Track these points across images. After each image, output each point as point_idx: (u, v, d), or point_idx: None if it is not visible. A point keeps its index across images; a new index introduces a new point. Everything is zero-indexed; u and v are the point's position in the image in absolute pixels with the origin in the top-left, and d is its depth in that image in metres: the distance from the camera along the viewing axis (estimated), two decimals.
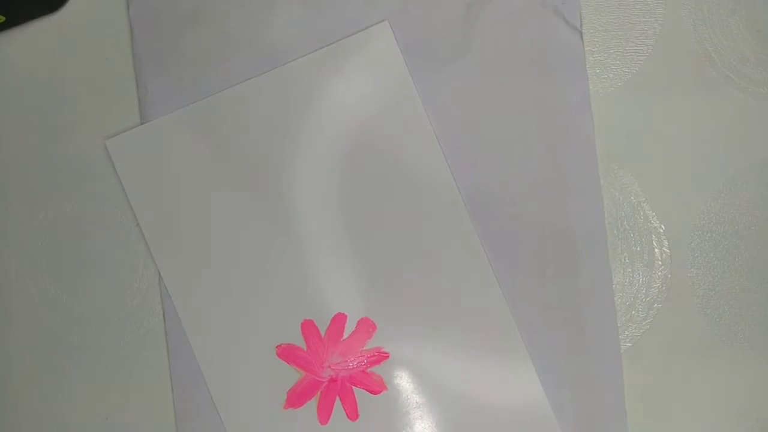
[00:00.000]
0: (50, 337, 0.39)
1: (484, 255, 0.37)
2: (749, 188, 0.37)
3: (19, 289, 0.39)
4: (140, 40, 0.38)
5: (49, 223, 0.39)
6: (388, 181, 0.37)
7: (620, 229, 0.37)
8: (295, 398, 0.37)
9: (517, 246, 0.37)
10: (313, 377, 0.37)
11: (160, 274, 0.38)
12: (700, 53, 0.37)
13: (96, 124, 0.39)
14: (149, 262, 0.38)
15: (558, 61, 0.37)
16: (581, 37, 0.37)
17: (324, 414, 0.37)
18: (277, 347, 0.37)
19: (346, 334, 0.37)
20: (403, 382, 0.37)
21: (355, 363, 0.37)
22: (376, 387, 0.37)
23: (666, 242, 0.37)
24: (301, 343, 0.37)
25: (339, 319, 0.37)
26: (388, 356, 0.37)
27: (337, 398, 0.37)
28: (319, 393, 0.37)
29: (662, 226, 0.37)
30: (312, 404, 0.37)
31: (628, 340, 0.37)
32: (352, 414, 0.37)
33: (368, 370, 0.37)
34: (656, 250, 0.37)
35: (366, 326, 0.37)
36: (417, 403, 0.37)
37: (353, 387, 0.37)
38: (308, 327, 0.37)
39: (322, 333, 0.37)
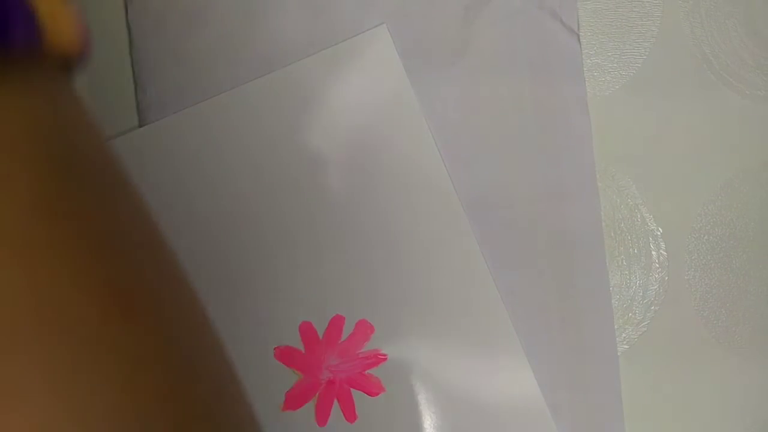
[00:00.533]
0: None
1: (482, 257, 0.37)
2: (747, 191, 0.37)
3: None
4: (139, 43, 0.38)
5: None
6: (385, 184, 0.37)
7: (617, 232, 0.37)
8: (293, 400, 0.37)
9: (515, 248, 0.37)
10: (311, 379, 0.37)
11: None
12: (698, 56, 0.37)
13: None
14: None
15: (555, 63, 0.37)
16: (578, 39, 0.37)
17: (322, 416, 0.37)
18: (275, 349, 0.37)
19: (344, 336, 0.37)
20: (401, 383, 0.37)
21: (353, 365, 0.37)
22: (374, 389, 0.37)
23: (663, 245, 0.37)
24: (299, 345, 0.37)
25: (337, 321, 0.37)
26: (386, 358, 0.37)
27: (335, 400, 0.37)
28: (317, 395, 0.37)
29: (659, 229, 0.37)
30: (310, 406, 0.37)
31: (625, 342, 0.37)
32: (350, 416, 0.37)
33: (366, 372, 0.37)
34: (653, 252, 0.37)
35: (364, 328, 0.37)
36: (415, 404, 0.37)
37: (351, 389, 0.37)
38: (306, 329, 0.37)
39: (320, 335, 0.37)
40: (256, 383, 0.37)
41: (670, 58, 0.37)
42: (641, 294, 0.37)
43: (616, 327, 0.37)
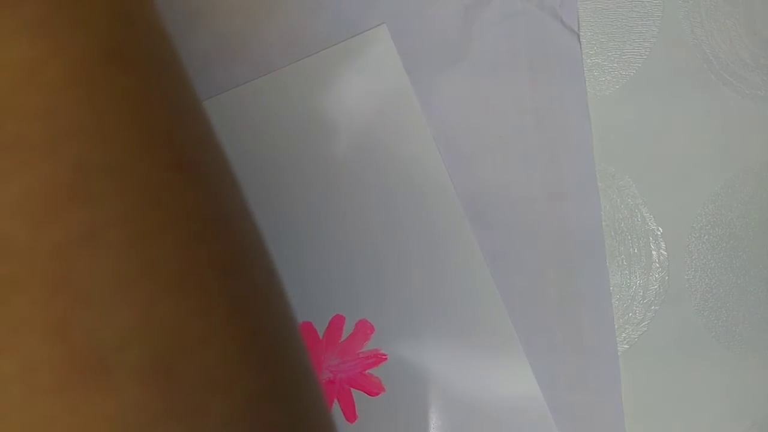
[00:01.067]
0: None
1: (482, 257, 0.37)
2: (747, 191, 0.37)
3: None
4: None
5: None
6: (385, 184, 0.37)
7: (618, 231, 0.37)
8: None
9: (515, 248, 0.37)
10: None
11: None
12: (698, 56, 0.37)
13: None
14: None
15: (556, 63, 0.37)
16: (579, 39, 0.37)
17: None
18: None
19: (344, 336, 0.37)
20: (402, 383, 0.37)
21: (353, 365, 0.37)
22: (375, 389, 0.37)
23: (663, 244, 0.37)
24: None
25: (337, 321, 0.37)
26: (386, 358, 0.37)
27: (336, 400, 0.37)
28: None
29: (660, 229, 0.37)
30: None
31: (625, 342, 0.37)
32: (351, 416, 0.37)
33: (366, 372, 0.37)
34: (654, 252, 0.37)
35: (364, 328, 0.37)
36: (415, 404, 0.37)
37: (351, 389, 0.37)
38: (306, 329, 0.37)
39: (320, 335, 0.37)
40: None
41: (671, 58, 0.37)
42: (641, 294, 0.37)
43: (616, 327, 0.37)
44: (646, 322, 0.37)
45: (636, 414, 0.37)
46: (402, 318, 0.37)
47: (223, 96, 0.38)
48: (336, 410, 0.37)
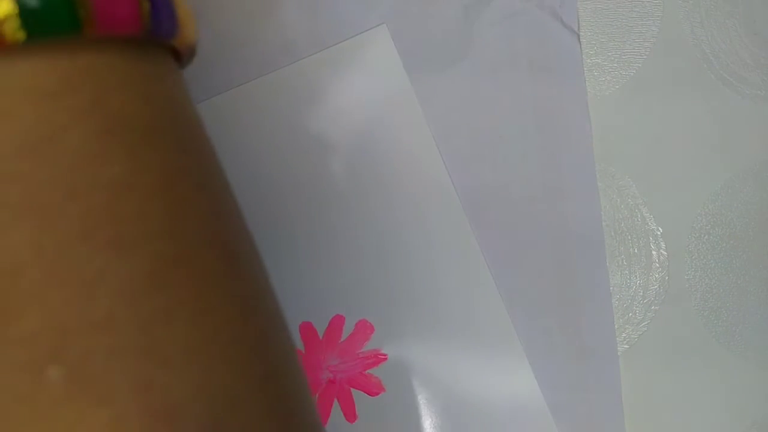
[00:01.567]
0: None
1: (482, 257, 0.37)
2: (747, 191, 0.37)
3: None
4: None
5: None
6: (386, 184, 0.37)
7: (618, 232, 0.37)
8: None
9: (515, 248, 0.37)
10: (311, 379, 0.37)
11: None
12: (698, 56, 0.37)
13: None
14: None
15: (556, 63, 0.37)
16: (579, 39, 0.37)
17: (322, 416, 0.37)
18: None
19: (344, 336, 0.37)
20: (402, 383, 0.37)
21: (353, 365, 0.37)
22: (375, 389, 0.37)
23: (663, 244, 0.37)
24: (299, 345, 0.37)
25: (337, 321, 0.37)
26: (386, 358, 0.37)
27: (336, 400, 0.37)
28: (317, 395, 0.37)
29: (660, 229, 0.37)
30: None
31: (625, 342, 0.37)
32: (351, 416, 0.37)
33: (366, 372, 0.37)
34: (654, 252, 0.37)
35: (364, 328, 0.37)
36: (415, 404, 0.37)
37: (351, 389, 0.37)
38: (306, 329, 0.37)
39: (320, 335, 0.37)
40: None
41: (671, 58, 0.37)
42: (641, 294, 0.37)
43: (616, 327, 0.37)
44: (646, 322, 0.37)
45: (636, 414, 0.37)
46: (402, 318, 0.37)
47: (223, 96, 0.38)
48: (336, 410, 0.37)
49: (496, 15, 0.37)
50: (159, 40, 0.19)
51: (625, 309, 0.37)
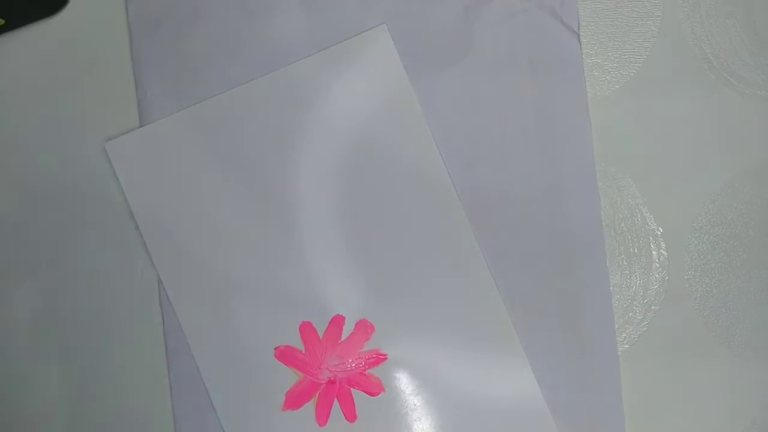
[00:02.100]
0: (50, 338, 0.39)
1: (482, 257, 0.37)
2: (747, 190, 0.37)
3: (20, 289, 0.40)
4: (139, 43, 0.38)
5: (49, 225, 0.39)
6: (386, 183, 0.37)
7: (618, 231, 0.37)
8: (294, 400, 0.37)
9: (515, 248, 0.37)
10: (312, 379, 0.37)
11: (159, 277, 0.38)
12: (698, 55, 0.37)
13: (95, 127, 0.39)
14: (148, 264, 0.39)
15: (556, 63, 0.37)
16: (579, 39, 0.37)
17: (322, 416, 0.37)
18: (275, 349, 0.37)
19: (344, 336, 0.37)
20: (402, 383, 0.37)
21: (354, 365, 0.37)
22: (375, 388, 0.37)
23: (664, 244, 0.37)
24: (299, 345, 0.37)
25: (337, 321, 0.37)
26: (386, 358, 0.37)
27: (336, 400, 0.37)
28: (317, 395, 0.37)
29: (660, 229, 0.37)
30: (310, 406, 0.37)
31: (625, 341, 0.37)
32: (351, 416, 0.37)
33: (366, 371, 0.37)
34: (654, 252, 0.37)
35: (364, 328, 0.37)
36: (415, 404, 0.37)
37: (351, 389, 0.37)
38: (306, 329, 0.37)
39: (321, 335, 0.37)
40: (256, 383, 0.37)
41: (671, 57, 0.37)
42: (641, 294, 0.37)
43: (616, 326, 0.37)
44: (646, 322, 0.37)
45: (636, 413, 0.37)
46: (402, 318, 0.37)
47: (222, 96, 0.38)
48: (336, 410, 0.37)
49: (496, 15, 0.37)
50: None
51: (625, 309, 0.37)
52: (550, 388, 0.36)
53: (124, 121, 0.39)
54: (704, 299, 0.37)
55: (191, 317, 0.38)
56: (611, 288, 0.37)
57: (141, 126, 0.38)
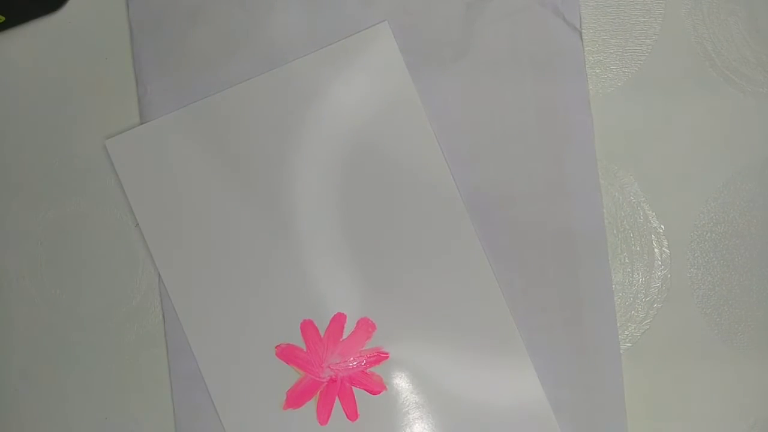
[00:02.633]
0: (50, 337, 0.39)
1: (484, 255, 0.37)
2: (749, 188, 0.37)
3: (19, 289, 0.39)
4: (140, 40, 0.38)
5: (49, 223, 0.39)
6: (387, 182, 0.37)
7: (620, 229, 0.37)
8: (295, 399, 0.37)
9: (517, 246, 0.37)
10: (313, 377, 0.37)
11: (159, 275, 0.38)
12: (700, 53, 0.37)
13: (96, 124, 0.39)
14: (149, 262, 0.38)
15: (557, 61, 0.37)
16: (581, 37, 0.37)
17: (323, 414, 0.37)
18: (276, 347, 0.37)
19: (345, 335, 0.37)
20: (403, 382, 0.37)
21: (355, 363, 0.37)
22: (376, 387, 0.37)
23: (666, 242, 0.37)
24: (300, 343, 0.37)
25: (338, 320, 0.37)
26: (387, 356, 0.37)
27: (337, 398, 0.37)
28: (318, 393, 0.37)
29: (662, 226, 0.37)
30: (311, 405, 0.37)
31: (627, 340, 0.37)
32: (352, 414, 0.37)
33: (368, 370, 0.37)
34: (656, 250, 0.37)
35: (365, 326, 0.37)
36: (416, 403, 0.37)
37: (353, 387, 0.37)
38: (308, 327, 0.37)
39: (322, 333, 0.37)
40: (257, 381, 0.37)
41: (673, 55, 0.37)
42: (644, 292, 0.37)
43: (618, 325, 0.37)
44: (648, 320, 0.37)
45: (638, 412, 0.36)
46: (403, 316, 0.37)
47: (223, 94, 0.38)
48: (337, 409, 0.37)
49: (497, 12, 0.37)
50: None
51: (627, 307, 0.37)
52: (552, 387, 0.36)
53: (124, 119, 0.39)
54: (706, 297, 0.37)
55: (192, 315, 0.38)
56: (613, 286, 0.37)
57: (141, 123, 0.38)
